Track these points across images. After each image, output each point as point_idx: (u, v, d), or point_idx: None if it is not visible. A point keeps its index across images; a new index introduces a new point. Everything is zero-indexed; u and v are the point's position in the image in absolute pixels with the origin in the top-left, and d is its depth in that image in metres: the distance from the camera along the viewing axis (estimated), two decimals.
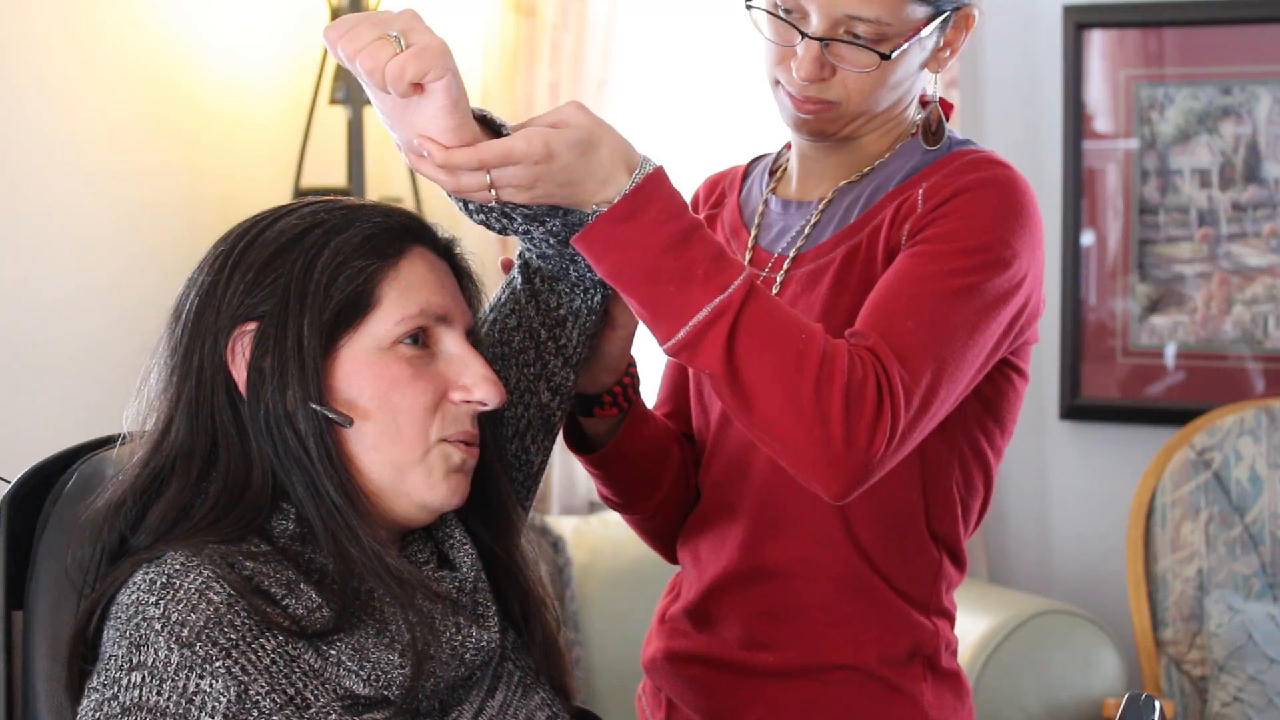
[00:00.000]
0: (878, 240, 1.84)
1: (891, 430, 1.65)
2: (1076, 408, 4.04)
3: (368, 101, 4.18)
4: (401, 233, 1.66)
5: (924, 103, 1.98)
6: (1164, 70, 3.92)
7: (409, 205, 4.18)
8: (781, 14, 1.85)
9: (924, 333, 1.70)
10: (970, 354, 1.73)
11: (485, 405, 1.66)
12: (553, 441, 1.88)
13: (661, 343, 1.66)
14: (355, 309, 1.61)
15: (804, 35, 1.83)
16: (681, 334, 1.63)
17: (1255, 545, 3.59)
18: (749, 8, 1.89)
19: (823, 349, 1.64)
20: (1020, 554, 4.16)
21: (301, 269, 1.61)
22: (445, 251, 1.72)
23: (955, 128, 3.99)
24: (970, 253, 1.74)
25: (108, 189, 4.01)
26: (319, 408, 1.59)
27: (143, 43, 4.08)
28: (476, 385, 1.65)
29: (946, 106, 1.99)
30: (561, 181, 1.59)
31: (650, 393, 2.02)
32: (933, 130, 1.92)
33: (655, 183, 1.63)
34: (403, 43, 1.51)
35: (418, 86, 1.52)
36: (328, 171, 4.38)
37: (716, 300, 1.62)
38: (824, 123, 1.88)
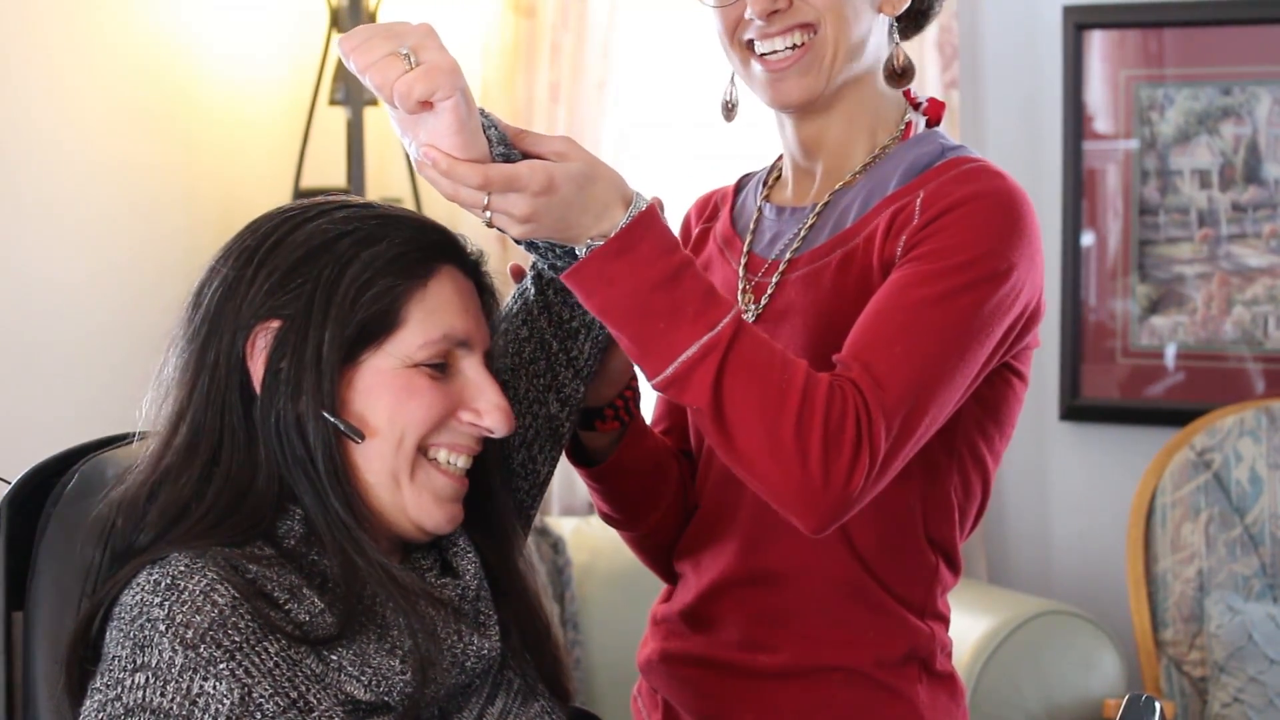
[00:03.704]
0: (873, 248, 1.83)
1: (870, 466, 1.65)
2: (1077, 408, 4.04)
3: (368, 102, 4.18)
4: (432, 251, 1.65)
5: (914, 104, 1.97)
6: (1164, 71, 3.93)
7: (408, 206, 4.17)
8: None
9: (911, 360, 1.69)
10: (960, 375, 1.73)
11: (493, 433, 1.66)
12: (559, 452, 1.89)
13: (650, 378, 1.67)
14: (379, 327, 1.61)
15: None
16: (670, 370, 1.63)
17: (1255, 546, 3.59)
18: None
19: (804, 387, 1.64)
20: (1020, 555, 4.16)
21: (330, 278, 1.60)
22: (473, 268, 1.71)
23: (955, 129, 4.00)
24: (965, 267, 1.74)
25: (108, 189, 4.00)
26: (331, 418, 1.59)
27: (143, 42, 4.08)
28: (488, 412, 1.65)
29: (938, 106, 1.98)
30: (558, 216, 1.59)
31: (646, 409, 2.02)
32: (897, 72, 1.91)
33: (648, 219, 1.63)
34: (413, 60, 1.51)
35: (426, 104, 1.52)
36: (327, 172, 4.38)
37: (705, 338, 1.62)
38: (802, 75, 1.87)
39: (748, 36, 1.89)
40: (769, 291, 1.92)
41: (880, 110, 1.94)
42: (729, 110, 1.98)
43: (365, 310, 1.60)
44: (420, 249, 1.64)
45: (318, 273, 1.60)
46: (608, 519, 2.03)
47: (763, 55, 1.88)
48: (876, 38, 1.91)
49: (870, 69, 1.92)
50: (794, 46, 1.87)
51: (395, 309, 1.61)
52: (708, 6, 1.91)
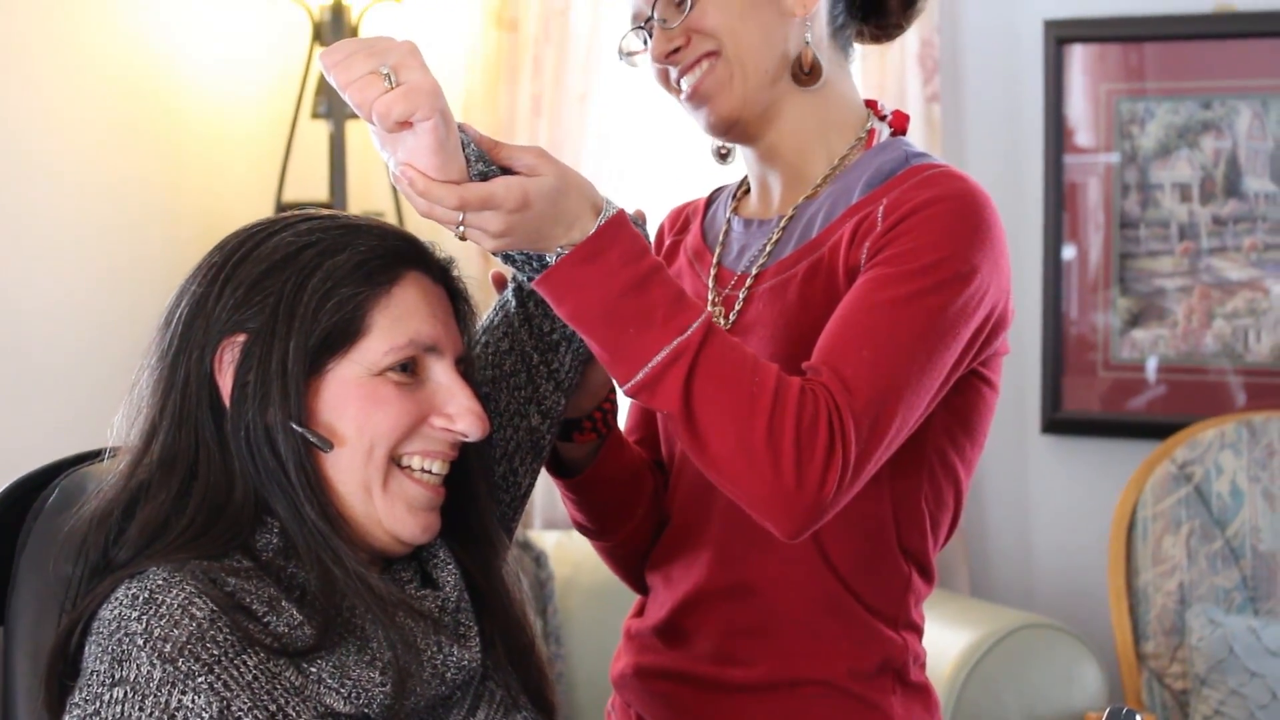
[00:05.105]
0: (837, 257, 1.84)
1: (843, 468, 1.65)
2: (1058, 421, 4.05)
3: (350, 116, 4.18)
4: (396, 258, 1.65)
5: (880, 115, 1.98)
6: (1144, 85, 3.94)
7: (392, 219, 4.17)
8: (634, 33, 1.92)
9: (879, 363, 1.69)
10: (928, 378, 1.73)
11: (466, 437, 1.66)
12: (540, 464, 1.89)
13: (620, 384, 1.67)
14: (343, 336, 1.61)
15: (645, 27, 1.89)
16: (640, 375, 1.64)
17: (1236, 559, 3.59)
18: (621, 56, 1.95)
19: (775, 390, 1.65)
20: (1002, 567, 4.16)
21: (292, 289, 1.60)
22: (441, 274, 1.71)
23: (937, 142, 4.00)
24: (928, 270, 1.74)
25: (89, 202, 4.00)
26: (299, 429, 1.59)
27: (125, 56, 4.07)
28: (461, 416, 1.65)
29: (902, 118, 1.98)
30: (531, 230, 1.61)
31: (621, 420, 2.02)
32: (805, 71, 1.92)
33: (617, 225, 1.64)
34: (393, 79, 1.51)
35: (405, 123, 1.53)
36: (310, 186, 4.37)
37: (675, 342, 1.63)
38: (715, 98, 1.89)
39: (674, 78, 1.92)
40: (737, 305, 1.92)
41: (830, 116, 1.94)
42: (720, 155, 2.00)
43: (328, 319, 1.60)
44: (383, 256, 1.64)
45: (281, 285, 1.60)
46: (581, 528, 2.03)
47: (683, 92, 1.92)
48: (796, 43, 1.92)
49: (777, 55, 1.93)
50: (704, 73, 1.90)
51: (359, 317, 1.61)
52: (635, 66, 1.95)
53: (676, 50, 1.89)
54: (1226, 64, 3.88)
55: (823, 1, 1.92)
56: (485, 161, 1.61)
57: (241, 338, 1.60)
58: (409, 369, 1.63)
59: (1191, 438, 3.69)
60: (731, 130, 1.93)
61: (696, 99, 1.90)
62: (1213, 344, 3.91)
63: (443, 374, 1.66)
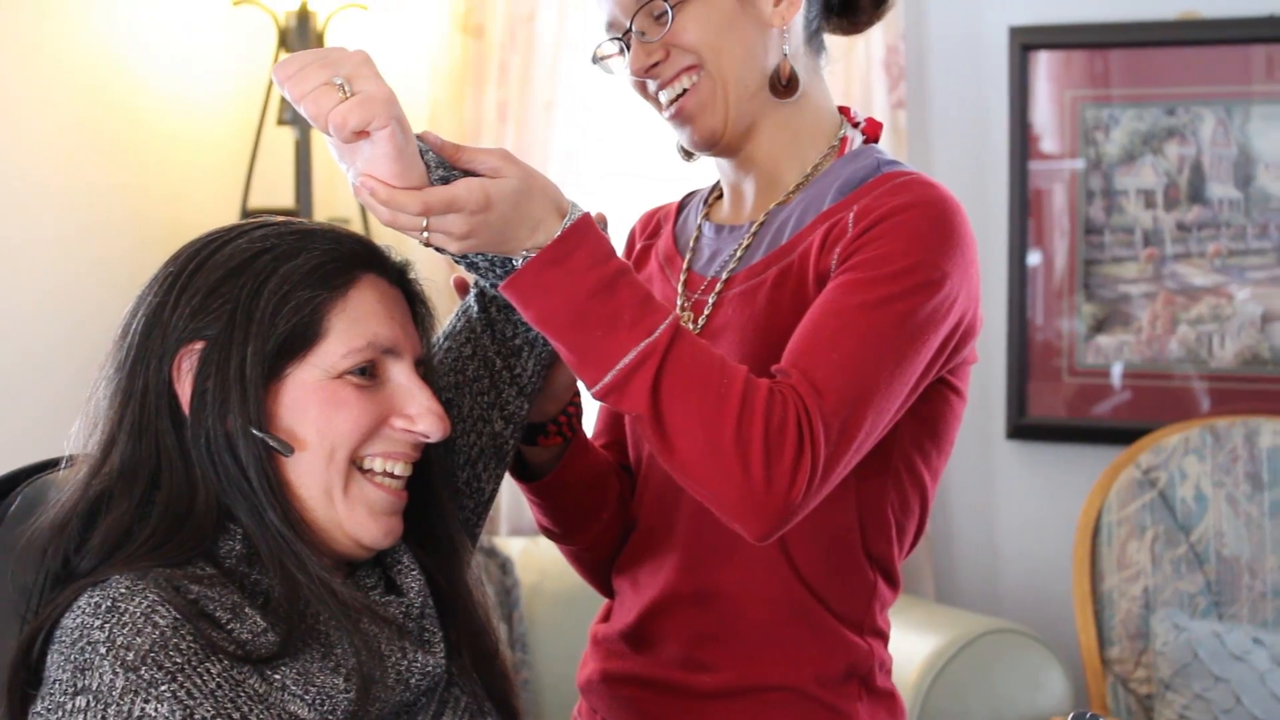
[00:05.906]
0: (808, 263, 1.84)
1: (812, 470, 1.65)
2: (1023, 427, 4.06)
3: None
4: (351, 261, 1.65)
5: (853, 123, 1.98)
6: (1109, 91, 3.95)
7: (357, 227, 4.17)
8: (610, 41, 1.92)
9: (848, 366, 1.70)
10: (898, 383, 1.73)
11: (428, 437, 1.66)
12: (504, 469, 1.89)
13: (589, 386, 1.67)
14: (301, 340, 1.61)
15: (622, 39, 1.89)
16: (608, 377, 1.64)
17: (1200, 564, 3.61)
18: (595, 61, 1.95)
19: (743, 392, 1.65)
20: (967, 573, 4.17)
21: (248, 295, 1.60)
22: (398, 277, 1.71)
23: (902, 149, 4.01)
24: (898, 276, 1.74)
25: (54, 208, 3.98)
26: (259, 433, 1.59)
27: (89, 62, 4.06)
28: (421, 417, 1.65)
29: (875, 125, 1.99)
30: (496, 230, 1.61)
31: (588, 424, 2.02)
32: (783, 84, 1.92)
33: (582, 228, 1.65)
34: (348, 89, 1.51)
35: (362, 133, 1.53)
36: (275, 192, 4.36)
37: (642, 344, 1.63)
38: (699, 115, 1.90)
39: (653, 90, 1.92)
40: (706, 310, 1.92)
41: (804, 125, 1.95)
42: (685, 154, 2.00)
43: (285, 323, 1.60)
44: (338, 260, 1.64)
45: (237, 291, 1.60)
46: (546, 532, 2.03)
47: (664, 105, 1.92)
48: (775, 55, 1.92)
49: (757, 72, 1.93)
50: (685, 91, 1.90)
51: (316, 320, 1.61)
52: (610, 73, 1.95)
53: (655, 64, 1.89)
54: (1191, 71, 3.90)
55: (799, 10, 1.93)
56: (445, 167, 1.61)
57: (199, 345, 1.60)
58: (368, 372, 1.63)
59: (1156, 443, 3.71)
60: (715, 146, 1.93)
61: (680, 118, 1.91)
62: (1177, 350, 3.93)
63: (402, 375, 1.66)
